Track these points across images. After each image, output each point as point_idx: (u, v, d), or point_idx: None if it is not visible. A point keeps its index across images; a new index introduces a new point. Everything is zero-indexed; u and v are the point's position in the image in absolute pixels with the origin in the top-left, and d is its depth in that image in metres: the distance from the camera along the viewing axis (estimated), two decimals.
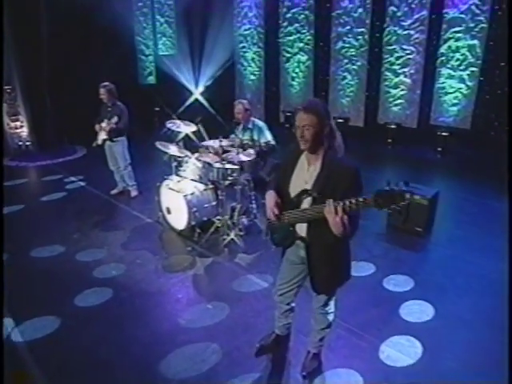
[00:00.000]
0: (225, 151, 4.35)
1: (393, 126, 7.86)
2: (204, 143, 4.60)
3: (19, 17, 7.02)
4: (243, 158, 4.23)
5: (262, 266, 3.85)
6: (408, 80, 7.58)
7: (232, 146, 4.48)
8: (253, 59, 9.63)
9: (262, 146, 4.59)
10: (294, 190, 2.23)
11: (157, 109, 9.50)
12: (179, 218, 4.47)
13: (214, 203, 4.46)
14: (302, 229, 2.26)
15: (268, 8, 9.10)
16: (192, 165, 4.37)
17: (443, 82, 7.22)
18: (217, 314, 3.21)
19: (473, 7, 6.54)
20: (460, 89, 7.06)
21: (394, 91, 7.80)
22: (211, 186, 4.49)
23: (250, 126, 4.66)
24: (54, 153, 7.43)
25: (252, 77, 9.87)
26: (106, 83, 5.17)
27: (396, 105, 7.88)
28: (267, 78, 9.54)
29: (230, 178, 4.37)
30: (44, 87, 7.63)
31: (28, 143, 7.71)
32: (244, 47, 9.80)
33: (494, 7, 6.28)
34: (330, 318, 2.54)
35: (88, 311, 3.26)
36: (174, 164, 4.59)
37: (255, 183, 4.56)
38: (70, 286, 3.58)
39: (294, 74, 9.14)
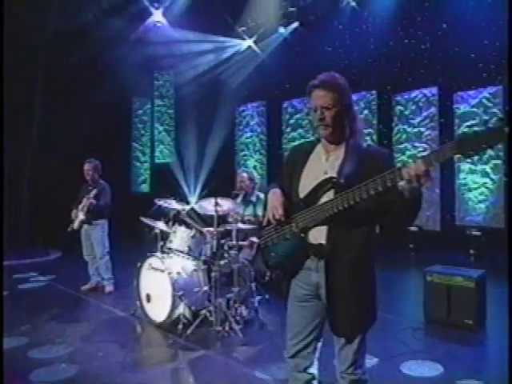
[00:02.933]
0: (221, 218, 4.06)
1: (413, 229, 7.63)
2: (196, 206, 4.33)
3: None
4: (242, 226, 3.93)
5: (266, 358, 3.17)
6: None
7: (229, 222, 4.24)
8: (254, 167, 10.00)
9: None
10: (305, 187, 1.87)
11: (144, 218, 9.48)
12: (160, 307, 3.92)
13: (206, 288, 3.96)
14: (318, 236, 1.83)
15: (271, 115, 9.83)
16: (181, 233, 4.01)
17: (464, 178, 7.27)
18: None
19: (484, 100, 7.01)
20: (485, 183, 7.07)
21: None
22: (203, 267, 4.06)
23: (253, 198, 4.48)
24: (24, 253, 7.24)
25: None
26: (91, 159, 5.19)
27: None
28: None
29: (226, 256, 3.98)
30: (24, 187, 7.76)
31: None
32: (245, 155, 10.28)
33: (505, 99, 6.73)
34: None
35: None
36: (161, 243, 4.27)
37: (255, 274, 4.15)
38: None
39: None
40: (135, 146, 10.15)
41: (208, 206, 3.99)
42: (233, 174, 10.14)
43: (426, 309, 4.04)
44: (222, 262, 3.90)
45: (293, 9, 8.52)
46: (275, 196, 1.94)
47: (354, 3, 8.14)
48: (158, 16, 9.07)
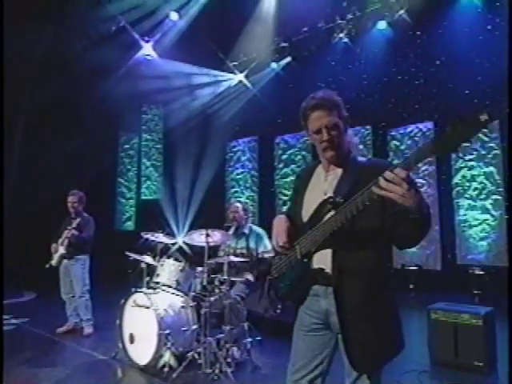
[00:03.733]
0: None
1: (413, 268, 7.57)
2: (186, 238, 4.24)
3: None
4: (234, 259, 3.87)
5: None
6: None
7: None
8: (246, 204, 9.99)
9: (260, 258, 4.28)
10: (308, 211, 1.87)
11: (131, 258, 9.29)
12: (145, 348, 3.76)
13: (195, 327, 3.83)
14: (322, 260, 1.79)
15: (262, 151, 9.96)
16: (169, 266, 3.91)
17: (464, 214, 7.32)
18: None
19: (480, 135, 7.14)
20: (486, 220, 7.12)
21: None
22: (192, 304, 3.93)
23: (246, 231, 4.45)
24: None
25: None
26: (76, 191, 5.15)
27: None
28: (262, 224, 9.67)
29: (217, 292, 3.88)
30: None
31: None
32: (236, 192, 10.30)
33: (502, 135, 6.92)
34: None
35: None
36: (146, 279, 4.17)
37: (248, 317, 4.05)
38: None
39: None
40: (121, 182, 10.13)
41: (198, 238, 3.92)
42: (223, 212, 10.22)
43: (432, 349, 3.93)
44: (212, 299, 3.79)
45: (285, 44, 8.83)
46: (279, 222, 1.94)
47: (346, 39, 8.47)
48: (147, 49, 9.27)
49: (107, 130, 9.38)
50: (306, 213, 1.87)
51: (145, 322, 3.79)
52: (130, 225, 10.09)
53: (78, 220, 4.94)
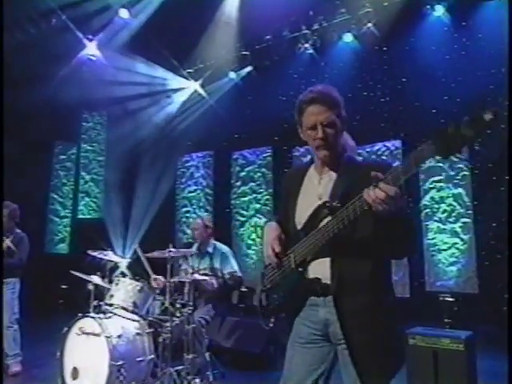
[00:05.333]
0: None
1: None
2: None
3: None
4: (199, 277, 3.83)
5: None
6: None
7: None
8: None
9: (226, 279, 4.26)
10: (302, 217, 1.90)
11: (63, 286, 8.91)
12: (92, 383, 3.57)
13: (151, 357, 3.71)
14: (319, 270, 1.83)
15: (218, 167, 9.97)
16: (125, 286, 3.78)
17: (433, 238, 7.64)
18: None
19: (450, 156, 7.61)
20: (455, 244, 7.47)
21: None
22: (149, 330, 3.81)
23: (209, 249, 4.43)
24: None
25: None
26: (8, 202, 4.90)
27: None
28: None
29: (178, 315, 3.80)
30: None
31: None
32: (188, 211, 10.20)
33: (471, 155, 7.36)
34: None
35: None
36: (94, 303, 4.00)
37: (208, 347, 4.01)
38: None
39: (251, 241, 9.34)
40: (54, 198, 9.73)
41: (158, 254, 3.84)
42: (173, 234, 10.06)
43: (411, 377, 4.01)
44: (173, 324, 3.70)
45: (246, 52, 9.00)
46: (270, 230, 1.98)
47: (311, 50, 8.75)
48: (91, 49, 9.08)
49: (40, 138, 9.03)
50: (300, 219, 1.90)
51: (93, 352, 3.64)
52: (63, 247, 9.68)
53: (11, 238, 4.71)
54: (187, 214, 10.19)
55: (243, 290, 8.66)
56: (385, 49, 8.42)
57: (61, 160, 9.97)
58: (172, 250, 3.74)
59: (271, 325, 1.95)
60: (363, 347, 1.74)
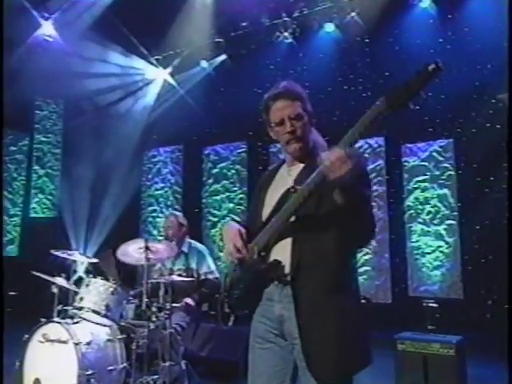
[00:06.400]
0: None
1: (361, 301, 7.87)
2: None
3: None
4: (177, 278, 3.83)
5: None
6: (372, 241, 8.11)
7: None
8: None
9: (202, 281, 4.27)
10: (268, 208, 2.00)
11: (13, 293, 8.67)
12: None
13: (123, 365, 3.69)
14: (280, 252, 1.89)
15: (188, 163, 9.93)
16: (96, 288, 3.74)
17: (417, 241, 7.84)
18: None
19: (434, 154, 7.82)
20: (440, 247, 7.67)
21: None
22: (120, 336, 3.78)
23: (184, 249, 4.46)
24: None
25: None
26: None
27: (360, 274, 8.14)
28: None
29: (154, 320, 3.77)
30: None
31: None
32: (155, 211, 10.13)
33: (457, 154, 7.60)
34: None
35: None
36: (58, 308, 3.94)
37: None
38: None
39: (223, 243, 9.31)
40: (3, 194, 9.43)
41: (134, 253, 3.81)
42: (138, 236, 9.92)
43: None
44: (146, 329, 3.68)
45: (220, 39, 8.99)
46: (229, 227, 2.06)
47: (290, 39, 8.80)
48: (47, 29, 8.82)
49: None
50: (267, 210, 1.99)
51: (59, 361, 3.58)
52: (12, 249, 9.39)
53: None
54: (154, 214, 10.12)
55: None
56: (367, 40, 8.55)
57: (11, 152, 9.62)
58: (150, 249, 3.70)
59: (230, 323, 1.99)
60: (319, 342, 1.77)
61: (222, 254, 9.29)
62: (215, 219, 9.53)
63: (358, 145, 6.79)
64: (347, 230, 1.80)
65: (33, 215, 9.69)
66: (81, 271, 7.39)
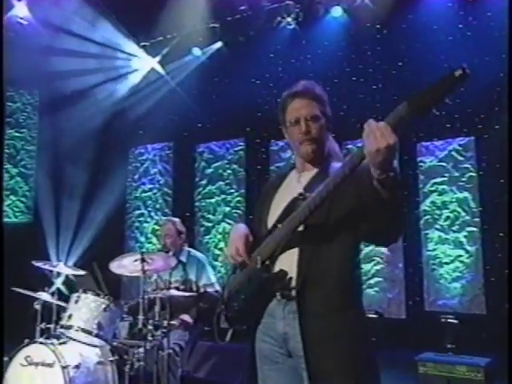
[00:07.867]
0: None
1: (372, 316, 7.88)
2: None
3: None
4: (176, 293, 3.84)
5: None
6: (384, 250, 8.11)
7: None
8: (154, 232, 9.80)
9: (201, 294, 4.29)
10: (274, 215, 2.06)
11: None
12: None
13: None
14: (286, 262, 1.95)
15: (179, 162, 9.94)
16: (87, 304, 3.73)
17: (434, 249, 7.85)
18: None
19: (453, 153, 7.85)
20: (459, 256, 7.69)
21: (366, 266, 8.18)
22: (112, 358, 3.78)
23: (182, 258, 4.50)
24: None
25: None
26: None
27: (371, 285, 8.15)
28: None
29: (149, 339, 3.77)
30: None
31: None
32: (142, 215, 10.13)
33: (478, 154, 7.62)
34: None
35: None
36: (41, 326, 3.94)
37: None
38: None
39: (218, 251, 9.32)
40: None
41: (129, 266, 3.82)
42: (123, 243, 9.92)
43: None
44: (141, 350, 3.69)
45: (216, 25, 8.97)
46: (236, 229, 2.14)
47: (293, 25, 8.79)
48: (21, 10, 8.75)
49: None
50: (272, 218, 2.04)
51: None
52: None
53: None
54: (141, 218, 10.12)
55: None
56: (378, 26, 8.54)
57: None
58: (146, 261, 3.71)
59: (227, 339, 2.01)
60: (328, 365, 1.83)
61: (217, 264, 9.30)
62: (209, 224, 9.52)
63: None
64: (375, 228, 1.82)
65: (5, 220, 9.63)
66: (58, 283, 7.37)
